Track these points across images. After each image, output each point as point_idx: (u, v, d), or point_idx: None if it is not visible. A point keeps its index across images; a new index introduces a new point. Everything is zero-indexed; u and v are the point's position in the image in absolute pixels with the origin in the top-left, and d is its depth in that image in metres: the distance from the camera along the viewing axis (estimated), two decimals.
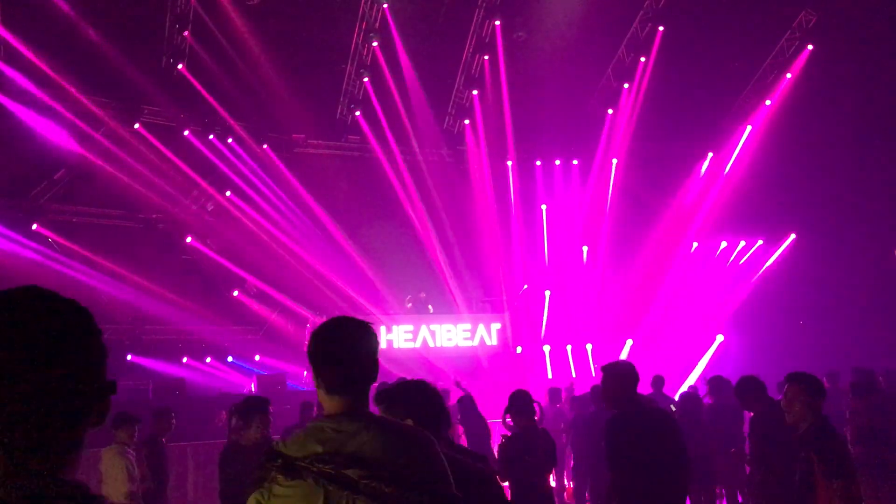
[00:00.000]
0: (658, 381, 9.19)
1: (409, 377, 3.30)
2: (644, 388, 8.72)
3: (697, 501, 7.45)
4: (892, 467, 6.67)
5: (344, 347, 1.98)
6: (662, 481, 4.20)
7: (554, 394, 9.89)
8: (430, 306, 15.53)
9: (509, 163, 18.12)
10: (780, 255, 17.25)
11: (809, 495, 4.01)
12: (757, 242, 17.45)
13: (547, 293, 16.98)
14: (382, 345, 15.02)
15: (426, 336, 15.25)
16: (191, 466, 9.61)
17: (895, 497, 6.57)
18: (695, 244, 17.46)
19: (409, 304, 15.57)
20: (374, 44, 15.30)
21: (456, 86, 17.15)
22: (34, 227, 13.93)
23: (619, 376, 4.39)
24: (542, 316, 16.71)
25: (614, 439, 4.27)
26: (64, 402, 1.01)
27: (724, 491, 7.96)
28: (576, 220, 17.88)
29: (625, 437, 4.23)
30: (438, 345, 15.30)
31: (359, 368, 1.97)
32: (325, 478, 1.76)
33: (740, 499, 7.79)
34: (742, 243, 17.47)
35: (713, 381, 7.94)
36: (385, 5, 14.78)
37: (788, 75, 16.61)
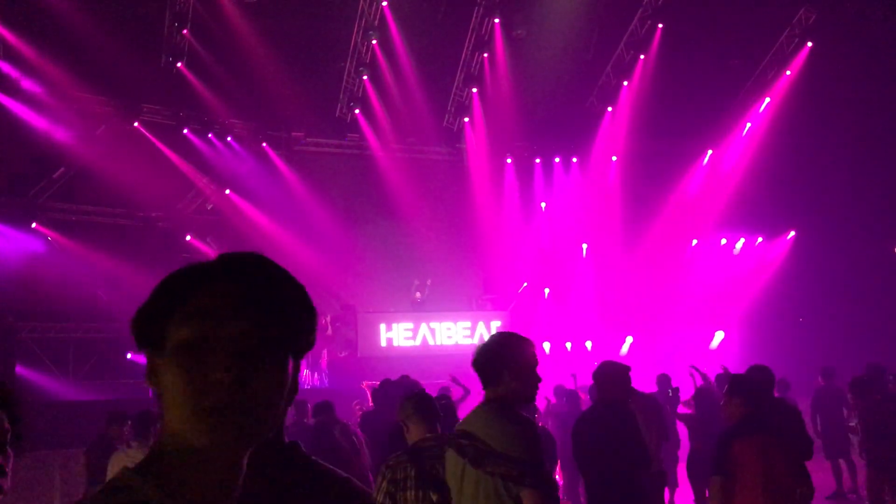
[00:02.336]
0: (663, 380, 9.12)
1: (410, 375, 3.79)
2: (650, 386, 8.71)
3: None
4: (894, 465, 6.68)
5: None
6: (613, 476, 4.36)
7: (571, 396, 9.39)
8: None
9: (509, 160, 18.11)
10: (779, 253, 17.25)
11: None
12: (757, 239, 17.46)
13: (546, 290, 16.99)
14: (382, 343, 15.04)
15: (426, 334, 15.25)
16: None
17: None
18: (694, 241, 17.47)
19: (418, 295, 15.57)
20: (374, 41, 15.29)
21: (455, 83, 17.12)
22: (34, 225, 13.92)
23: (601, 376, 4.74)
24: (542, 313, 16.71)
25: (572, 436, 4.65)
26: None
27: None
28: (575, 218, 17.87)
29: (577, 435, 4.57)
30: (438, 343, 15.30)
31: None
32: (452, 445, 2.89)
33: None
34: (742, 240, 17.47)
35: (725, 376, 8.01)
36: (384, 3, 14.75)
37: (788, 72, 16.57)
